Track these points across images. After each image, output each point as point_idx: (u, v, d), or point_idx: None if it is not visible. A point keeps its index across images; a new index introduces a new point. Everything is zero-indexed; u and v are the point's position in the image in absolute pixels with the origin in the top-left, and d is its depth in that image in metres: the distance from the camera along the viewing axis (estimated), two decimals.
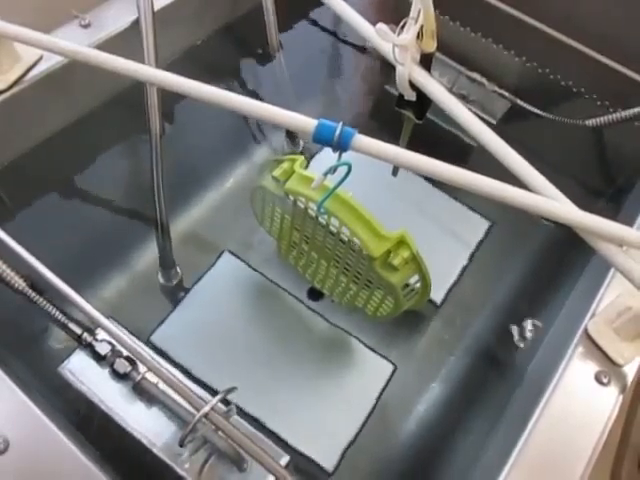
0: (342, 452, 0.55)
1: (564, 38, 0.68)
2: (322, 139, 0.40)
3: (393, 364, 0.60)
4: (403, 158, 0.41)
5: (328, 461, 0.54)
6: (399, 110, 0.51)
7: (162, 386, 0.42)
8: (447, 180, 0.40)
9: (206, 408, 0.33)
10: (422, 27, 0.43)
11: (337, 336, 0.62)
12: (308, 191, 0.48)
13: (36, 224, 0.62)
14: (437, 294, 0.65)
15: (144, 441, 0.42)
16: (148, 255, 0.64)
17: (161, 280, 0.62)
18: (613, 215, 0.62)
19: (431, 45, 0.45)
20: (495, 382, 0.59)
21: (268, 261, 0.65)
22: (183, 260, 0.63)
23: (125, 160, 0.70)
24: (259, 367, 0.59)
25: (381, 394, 0.58)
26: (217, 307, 0.62)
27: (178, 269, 0.62)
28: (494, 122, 0.75)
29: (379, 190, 0.68)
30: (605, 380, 0.40)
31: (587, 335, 0.42)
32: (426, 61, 0.46)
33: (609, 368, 0.41)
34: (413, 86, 0.47)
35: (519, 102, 0.72)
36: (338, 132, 0.39)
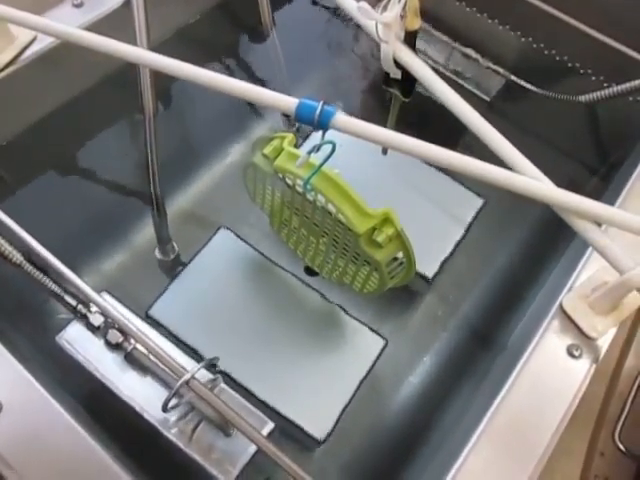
0: (333, 422, 0.56)
1: (560, 14, 0.67)
2: (303, 118, 0.41)
3: (384, 339, 0.62)
4: (383, 137, 0.41)
5: (319, 430, 0.56)
6: (386, 88, 0.52)
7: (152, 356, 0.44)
8: (427, 158, 0.41)
9: (187, 376, 0.35)
10: (406, 4, 0.44)
11: (330, 311, 0.63)
12: (296, 168, 0.49)
13: (35, 202, 0.64)
14: (429, 270, 0.66)
15: (136, 407, 0.44)
16: (146, 231, 0.65)
17: (158, 255, 0.64)
18: (604, 192, 0.63)
19: (415, 23, 0.45)
20: (484, 355, 0.61)
21: (265, 237, 0.66)
22: (181, 236, 0.65)
23: (122, 138, 0.71)
24: (254, 339, 0.60)
25: (372, 368, 0.60)
26: (213, 281, 0.63)
27: (175, 244, 0.64)
28: (488, 99, 0.75)
29: (373, 168, 0.69)
30: (577, 353, 0.41)
31: (562, 309, 0.43)
32: (410, 39, 0.46)
33: (582, 342, 0.42)
34: (398, 64, 0.47)
35: (513, 78, 0.71)
36: (318, 111, 0.40)
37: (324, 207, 0.51)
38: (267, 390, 0.57)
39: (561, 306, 0.43)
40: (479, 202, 0.71)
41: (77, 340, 0.47)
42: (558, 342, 0.41)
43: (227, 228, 0.67)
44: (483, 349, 0.61)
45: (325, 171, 0.47)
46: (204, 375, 0.42)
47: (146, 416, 0.44)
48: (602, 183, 0.68)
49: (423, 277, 0.65)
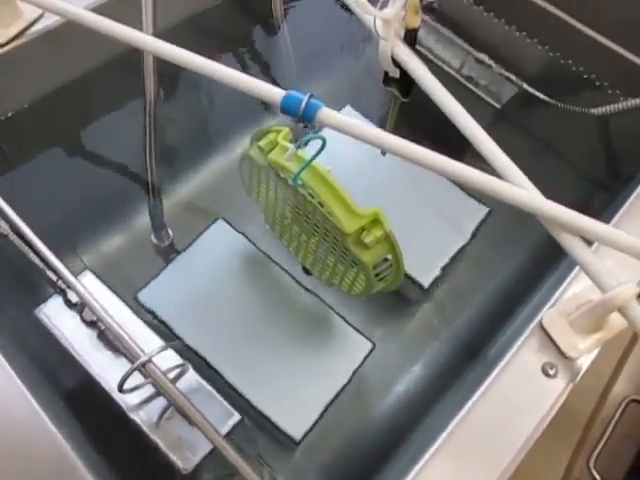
0: (311, 423, 0.55)
1: (579, 25, 0.65)
2: (288, 110, 0.40)
3: (372, 342, 0.61)
4: (369, 135, 0.41)
5: (296, 430, 0.55)
6: (386, 87, 0.51)
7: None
8: (411, 159, 0.40)
9: (143, 358, 0.35)
10: (406, 1, 0.43)
11: (320, 310, 0.62)
12: (287, 163, 0.48)
13: (34, 177, 0.64)
14: (425, 279, 0.64)
15: (105, 387, 0.45)
16: (144, 214, 0.66)
17: (154, 240, 0.64)
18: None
19: (415, 21, 0.44)
20: (470, 367, 0.59)
21: (264, 233, 0.65)
22: (179, 224, 0.65)
23: (124, 120, 0.71)
24: (240, 333, 0.60)
25: (356, 371, 0.59)
26: (205, 271, 0.63)
27: (169, 231, 0.64)
28: (499, 106, 0.72)
29: (374, 169, 0.68)
30: (552, 372, 0.39)
31: (541, 326, 0.41)
32: (410, 37, 0.45)
33: (559, 361, 0.40)
34: (397, 62, 0.46)
35: (525, 86, 0.69)
36: (304, 104, 0.40)
37: (313, 203, 0.50)
38: (247, 384, 0.57)
39: (540, 322, 0.41)
40: (484, 211, 0.69)
41: (55, 315, 0.47)
42: (533, 359, 0.40)
43: (225, 220, 0.66)
44: (472, 361, 0.60)
45: (316, 167, 0.46)
46: (170, 361, 0.42)
47: (114, 396, 0.44)
48: (612, 199, 0.65)
49: (419, 285, 0.64)
